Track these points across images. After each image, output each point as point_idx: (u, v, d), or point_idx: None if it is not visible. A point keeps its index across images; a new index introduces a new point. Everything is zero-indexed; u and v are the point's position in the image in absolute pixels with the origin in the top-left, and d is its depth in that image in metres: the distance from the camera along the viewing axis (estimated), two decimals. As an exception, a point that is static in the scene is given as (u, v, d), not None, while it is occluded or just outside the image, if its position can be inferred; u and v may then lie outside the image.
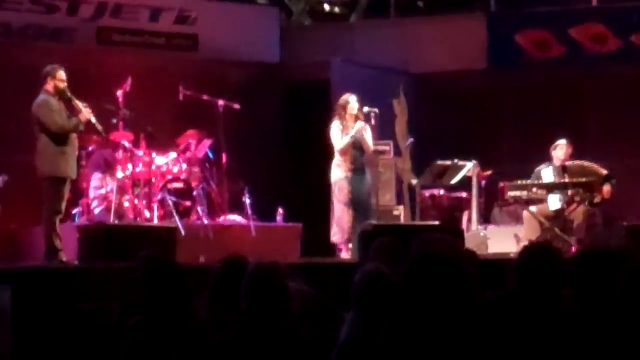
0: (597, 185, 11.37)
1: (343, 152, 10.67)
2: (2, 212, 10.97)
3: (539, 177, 11.67)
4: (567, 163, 11.63)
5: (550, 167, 11.66)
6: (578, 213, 11.39)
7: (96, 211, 11.24)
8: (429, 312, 3.80)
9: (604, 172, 11.52)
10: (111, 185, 11.21)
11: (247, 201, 11.66)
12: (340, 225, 10.63)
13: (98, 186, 11.33)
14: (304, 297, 5.16)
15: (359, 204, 10.67)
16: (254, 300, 4.33)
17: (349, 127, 10.69)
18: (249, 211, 11.55)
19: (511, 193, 11.60)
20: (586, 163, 11.69)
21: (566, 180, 11.49)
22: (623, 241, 9.91)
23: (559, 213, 11.46)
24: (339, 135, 10.67)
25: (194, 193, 11.59)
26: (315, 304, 5.29)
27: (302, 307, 4.91)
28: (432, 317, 3.80)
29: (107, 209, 11.11)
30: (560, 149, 11.68)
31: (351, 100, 10.75)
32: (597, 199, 11.37)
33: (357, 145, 10.73)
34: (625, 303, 3.90)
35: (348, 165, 10.67)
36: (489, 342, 3.91)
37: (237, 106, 12.14)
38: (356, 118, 10.73)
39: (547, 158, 11.82)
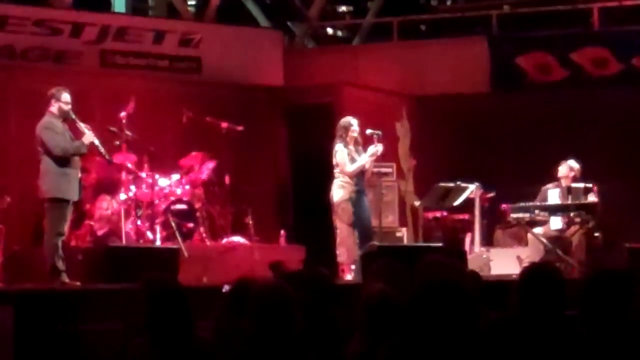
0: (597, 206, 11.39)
1: (353, 175, 10.66)
2: (5, 233, 10.97)
3: (545, 197, 11.71)
4: (573, 185, 11.64)
5: (558, 189, 11.68)
6: (578, 234, 11.41)
7: (99, 233, 11.25)
8: (432, 333, 3.81)
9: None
10: (115, 207, 11.23)
11: (250, 223, 11.66)
12: (347, 246, 10.60)
13: (104, 208, 11.34)
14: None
15: (362, 225, 10.68)
16: (259, 321, 4.32)
17: (351, 149, 10.70)
18: (252, 233, 11.56)
19: (514, 215, 11.66)
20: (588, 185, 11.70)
21: (569, 202, 11.51)
22: (625, 263, 9.91)
23: (560, 234, 11.49)
24: (348, 158, 10.65)
25: (197, 215, 11.61)
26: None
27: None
28: (435, 338, 3.81)
29: (111, 231, 11.13)
30: (564, 168, 11.72)
31: (353, 123, 10.77)
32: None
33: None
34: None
35: (352, 187, 10.67)
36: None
37: (240, 128, 12.21)
38: (356, 141, 10.75)
39: (548, 180, 11.84)
